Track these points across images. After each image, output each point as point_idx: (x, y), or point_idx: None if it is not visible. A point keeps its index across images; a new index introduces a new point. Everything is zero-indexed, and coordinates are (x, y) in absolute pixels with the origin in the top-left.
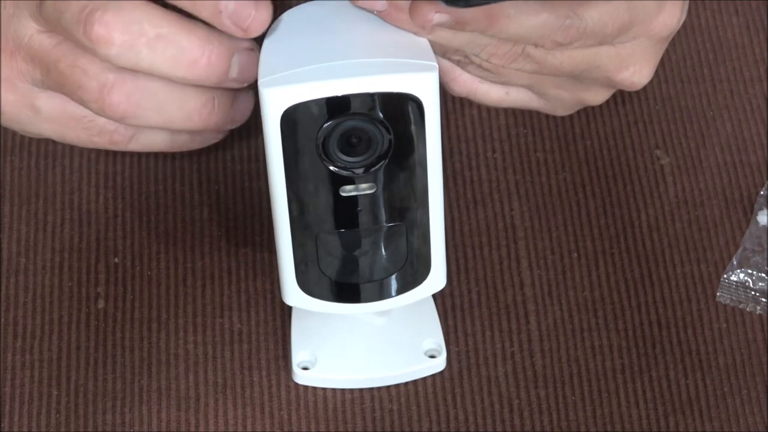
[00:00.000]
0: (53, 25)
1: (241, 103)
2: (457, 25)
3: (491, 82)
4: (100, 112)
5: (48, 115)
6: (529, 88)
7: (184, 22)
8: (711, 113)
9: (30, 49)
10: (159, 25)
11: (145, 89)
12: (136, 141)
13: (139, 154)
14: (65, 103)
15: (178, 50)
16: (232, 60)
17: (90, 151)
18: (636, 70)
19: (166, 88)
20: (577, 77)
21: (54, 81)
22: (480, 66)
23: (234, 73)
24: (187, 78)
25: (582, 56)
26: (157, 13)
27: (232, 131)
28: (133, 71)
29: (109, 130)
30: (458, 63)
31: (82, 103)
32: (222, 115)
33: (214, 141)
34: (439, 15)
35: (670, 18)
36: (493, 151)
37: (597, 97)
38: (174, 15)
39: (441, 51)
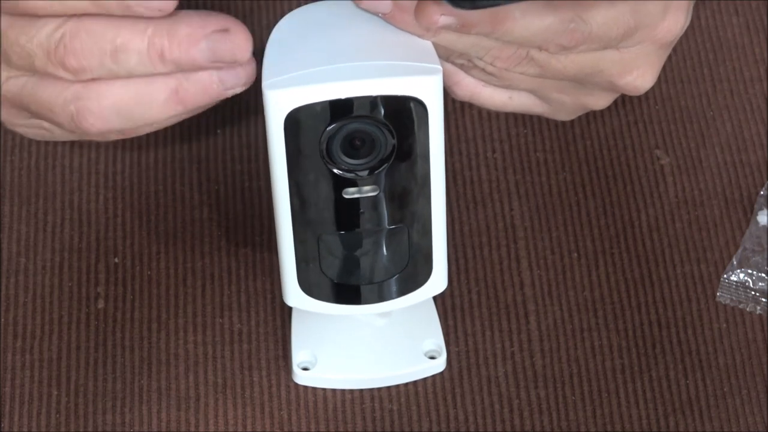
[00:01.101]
0: (27, 69)
1: (245, 67)
2: (462, 28)
3: (494, 86)
4: (84, 137)
5: (59, 132)
6: (531, 92)
7: (136, 25)
8: (711, 113)
9: (6, 98)
10: (112, 38)
11: (105, 103)
12: (144, 130)
13: (139, 154)
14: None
15: (139, 54)
16: (201, 45)
17: (90, 150)
18: (639, 75)
19: (126, 93)
20: (581, 81)
21: (38, 117)
22: (483, 70)
23: (206, 55)
24: (165, 71)
25: (586, 60)
26: (109, 25)
27: (232, 131)
28: (93, 86)
29: (114, 133)
30: (461, 67)
31: (67, 130)
32: (199, 94)
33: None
34: (444, 17)
35: (675, 23)
36: (493, 151)
37: (599, 101)
38: (123, 20)
39: (444, 54)
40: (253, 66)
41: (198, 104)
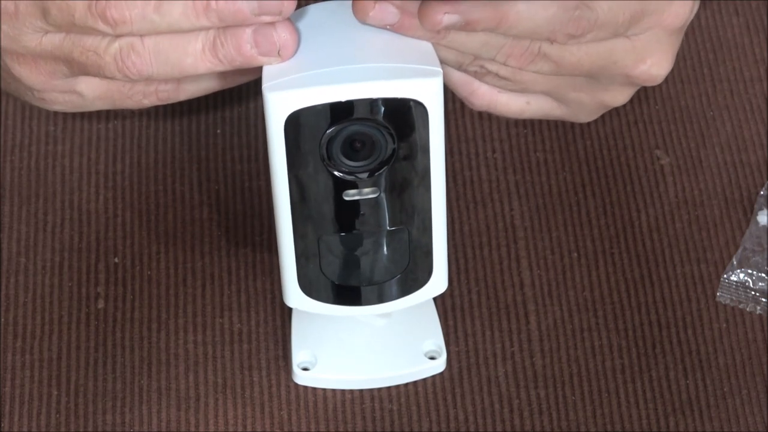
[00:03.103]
0: (65, 26)
1: (280, 31)
2: (467, 26)
3: (510, 91)
4: (126, 79)
5: (93, 95)
6: (548, 94)
7: None
8: (711, 113)
9: (45, 51)
10: None
11: (148, 42)
12: (184, 91)
13: (139, 154)
14: (103, 83)
15: (184, 6)
16: None
17: (90, 150)
18: (653, 63)
19: (164, 40)
20: (595, 76)
21: (78, 69)
22: (497, 74)
23: (251, 6)
24: (207, 25)
25: (598, 51)
26: None
27: (232, 131)
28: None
29: (151, 91)
30: (475, 75)
31: (107, 77)
32: (234, 50)
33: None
34: (448, 16)
35: (683, 7)
36: (493, 151)
37: (617, 97)
38: None
39: (457, 63)
40: (289, 39)
41: (232, 62)
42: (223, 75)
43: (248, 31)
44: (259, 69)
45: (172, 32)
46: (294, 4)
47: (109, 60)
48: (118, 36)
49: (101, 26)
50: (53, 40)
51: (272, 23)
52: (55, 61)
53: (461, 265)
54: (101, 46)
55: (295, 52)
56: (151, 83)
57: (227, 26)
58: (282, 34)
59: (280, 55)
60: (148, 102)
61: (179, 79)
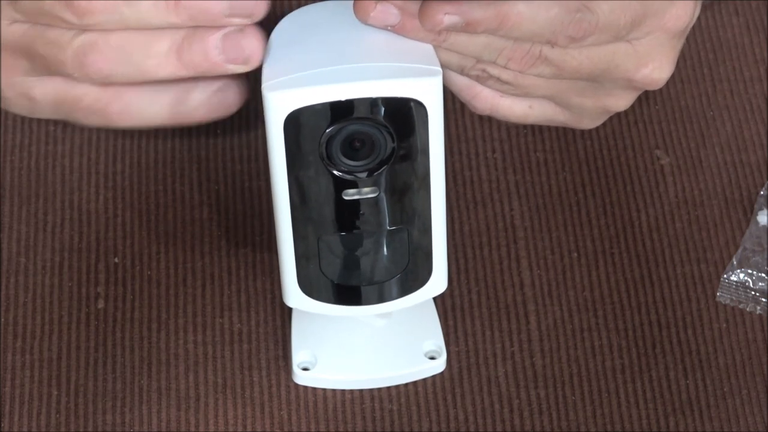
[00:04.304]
0: (32, 14)
1: (249, 39)
2: (468, 27)
3: (513, 95)
4: (86, 78)
5: (44, 102)
6: (551, 99)
7: None
8: (711, 113)
9: (8, 43)
10: None
11: (111, 39)
12: (128, 114)
13: (139, 154)
14: (56, 89)
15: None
16: None
17: (90, 150)
18: (655, 67)
19: (130, 37)
20: (597, 80)
21: (39, 64)
22: (499, 78)
23: (222, 6)
24: (177, 22)
25: (599, 55)
26: None
27: (232, 131)
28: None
29: (99, 108)
30: (477, 79)
31: (68, 74)
32: (200, 55)
33: (223, 112)
34: (448, 16)
35: (684, 10)
36: (493, 151)
37: (620, 101)
38: None
39: (459, 66)
40: (257, 48)
41: (197, 67)
42: (174, 109)
43: (217, 35)
44: (215, 106)
45: (139, 29)
46: (266, 6)
47: (70, 54)
48: (83, 29)
49: (68, 15)
50: (16, 32)
51: (242, 30)
52: (17, 54)
53: (461, 265)
54: (64, 39)
55: (261, 61)
56: (106, 90)
57: (196, 29)
58: (251, 41)
59: (246, 63)
60: (96, 120)
61: (129, 102)
